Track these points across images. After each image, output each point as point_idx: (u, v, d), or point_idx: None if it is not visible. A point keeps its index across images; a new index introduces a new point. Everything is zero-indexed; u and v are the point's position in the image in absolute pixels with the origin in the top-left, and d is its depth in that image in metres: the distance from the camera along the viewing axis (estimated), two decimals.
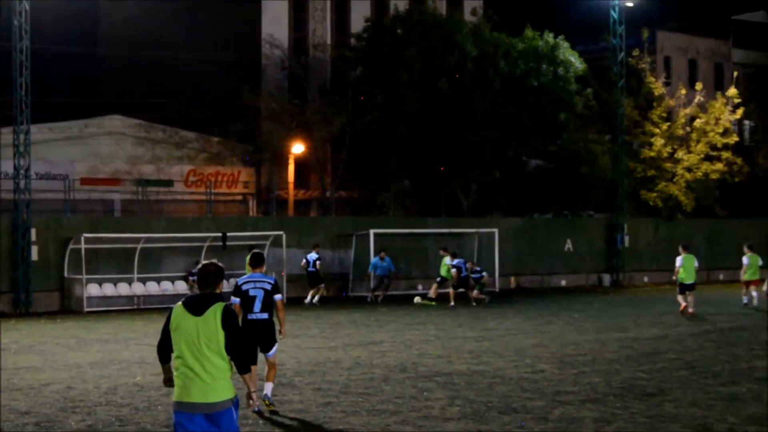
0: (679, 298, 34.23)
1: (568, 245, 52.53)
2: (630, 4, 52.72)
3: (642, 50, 56.33)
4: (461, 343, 25.33)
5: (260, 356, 15.95)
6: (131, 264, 40.01)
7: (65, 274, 38.89)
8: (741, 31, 77.67)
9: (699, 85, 57.32)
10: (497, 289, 46.49)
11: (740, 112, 56.06)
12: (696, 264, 34.58)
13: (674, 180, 54.93)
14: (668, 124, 55.70)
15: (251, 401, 10.20)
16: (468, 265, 39.84)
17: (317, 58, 57.22)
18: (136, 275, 40.06)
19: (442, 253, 41.27)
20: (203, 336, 9.70)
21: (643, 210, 56.87)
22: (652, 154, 55.06)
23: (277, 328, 16.29)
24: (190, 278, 40.67)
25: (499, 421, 14.91)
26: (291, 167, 53.15)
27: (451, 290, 39.35)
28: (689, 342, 25.06)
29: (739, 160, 55.96)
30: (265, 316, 15.85)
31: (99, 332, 29.84)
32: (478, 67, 50.29)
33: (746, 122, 67.25)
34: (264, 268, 16.38)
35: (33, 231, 38.63)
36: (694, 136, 55.57)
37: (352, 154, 52.89)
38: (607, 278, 52.76)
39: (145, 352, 24.20)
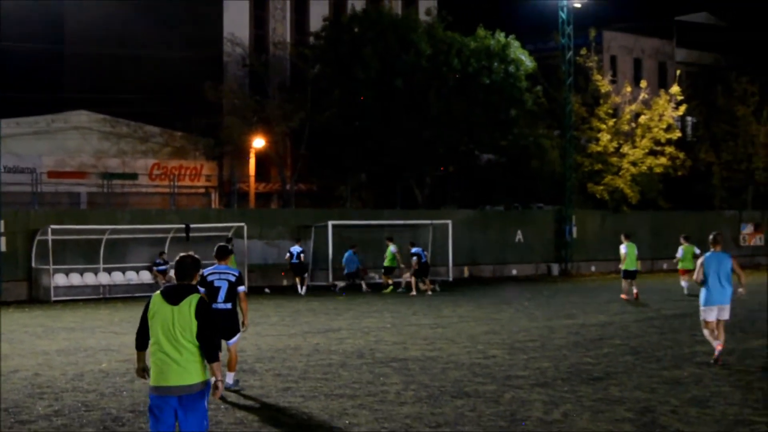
0: (624, 284, 34.64)
1: (519, 236, 52.73)
2: (578, 5, 52.94)
3: (589, 49, 56.58)
4: (416, 330, 25.37)
5: (222, 344, 15.89)
6: (97, 255, 39.81)
7: (33, 265, 38.64)
8: (684, 31, 78.21)
9: (644, 83, 57.65)
10: (451, 279, 46.65)
11: (683, 108, 56.43)
12: (636, 252, 35.08)
13: (620, 174, 55.24)
14: (614, 120, 56.00)
15: (217, 390, 10.30)
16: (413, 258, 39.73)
17: (277, 56, 57.07)
18: (101, 266, 39.87)
19: (387, 243, 41.32)
20: (178, 324, 9.98)
21: (591, 202, 57.16)
22: (599, 148, 55.36)
23: (240, 318, 16.36)
24: (155, 268, 40.56)
25: (451, 404, 14.95)
26: (252, 161, 52.99)
27: (412, 279, 39.33)
28: (634, 328, 25.23)
29: (681, 155, 56.33)
30: (228, 306, 15.93)
31: (66, 321, 29.66)
32: (432, 65, 50.34)
33: (688, 119, 67.77)
34: (228, 261, 16.44)
35: (2, 223, 38.35)
36: (638, 131, 55.90)
37: (311, 148, 52.81)
38: (556, 268, 53.02)
39: (110, 339, 24.12)
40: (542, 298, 36.16)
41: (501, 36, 52.28)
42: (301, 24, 60.43)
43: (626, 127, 56.26)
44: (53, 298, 37.44)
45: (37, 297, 38.32)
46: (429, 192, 55.05)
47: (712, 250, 18.98)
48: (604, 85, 56.17)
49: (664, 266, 55.08)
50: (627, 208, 55.98)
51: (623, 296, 34.31)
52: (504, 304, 33.45)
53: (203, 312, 10.06)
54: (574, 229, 53.81)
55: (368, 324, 27.28)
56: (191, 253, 10.59)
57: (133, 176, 51.10)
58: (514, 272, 51.90)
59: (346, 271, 42.25)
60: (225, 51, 56.62)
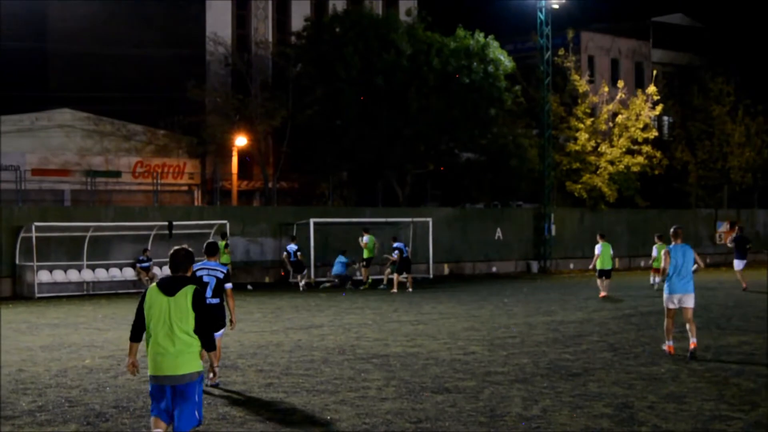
0: (598, 282, 34.91)
1: (498, 234, 52.80)
2: (556, 6, 53.04)
3: (567, 50, 56.74)
4: (397, 327, 25.35)
5: None
6: (81, 252, 39.70)
7: (17, 262, 38.54)
8: (660, 32, 78.47)
9: (621, 83, 57.85)
10: (431, 276, 46.67)
11: (659, 108, 56.64)
12: (611, 252, 35.32)
13: (598, 172, 55.37)
14: (592, 119, 56.15)
15: (213, 375, 11.00)
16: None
17: (259, 55, 56.95)
18: (85, 262, 39.77)
19: (364, 234, 41.33)
20: (174, 315, 10.21)
21: (569, 200, 57.31)
22: (577, 147, 55.49)
23: (228, 315, 16.41)
24: (138, 265, 40.46)
25: (432, 400, 14.93)
26: (234, 159, 52.91)
27: (395, 275, 39.32)
28: (612, 325, 25.26)
29: (658, 154, 56.50)
30: (216, 301, 15.95)
31: (49, 317, 29.56)
32: (413, 65, 50.34)
33: (665, 118, 68.01)
34: (217, 257, 16.48)
35: None
36: (616, 131, 56.07)
37: (292, 146, 52.73)
38: (535, 265, 53.12)
39: (94, 336, 24.02)
40: (521, 296, 36.19)
41: (480, 36, 52.32)
42: (283, 23, 60.36)
43: (604, 127, 56.43)
44: (37, 295, 37.36)
45: (21, 293, 38.23)
46: (410, 190, 55.05)
47: (673, 242, 19.62)
48: (582, 85, 56.29)
49: (642, 264, 55.32)
50: (605, 206, 56.14)
51: (602, 294, 34.38)
52: (483, 301, 33.48)
53: (200, 302, 10.30)
54: (553, 227, 53.94)
55: (350, 321, 27.26)
56: (185, 245, 10.76)
57: (117, 174, 50.95)
58: (494, 269, 51.96)
59: (333, 272, 42.34)
60: (207, 50, 56.49)
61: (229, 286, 16.32)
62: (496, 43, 52.73)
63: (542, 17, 53.09)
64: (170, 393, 10.25)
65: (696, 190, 63.85)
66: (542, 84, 53.66)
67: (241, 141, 51.51)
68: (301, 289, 40.55)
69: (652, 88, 56.80)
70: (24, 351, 21.26)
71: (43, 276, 38.40)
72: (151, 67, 57.02)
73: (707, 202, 64.17)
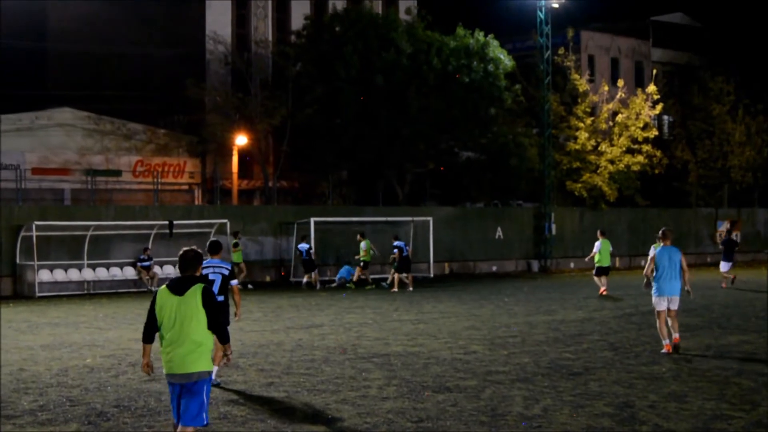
0: (596, 279, 35.09)
1: (499, 233, 52.79)
2: (556, 5, 53.02)
3: (567, 49, 56.74)
4: (398, 326, 25.35)
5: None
6: (81, 251, 39.71)
7: (17, 261, 38.55)
8: (660, 31, 78.48)
9: (621, 82, 57.85)
10: (431, 275, 46.67)
11: (659, 107, 56.63)
12: (611, 249, 35.47)
13: (598, 171, 55.36)
14: (592, 118, 56.14)
15: (227, 357, 11.58)
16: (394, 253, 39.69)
17: (259, 54, 56.94)
18: (85, 261, 39.78)
19: (359, 238, 41.31)
20: (185, 314, 10.42)
21: (569, 200, 57.30)
22: (577, 147, 55.48)
23: (232, 310, 16.57)
24: (139, 264, 40.46)
25: (433, 399, 14.93)
26: (235, 158, 52.91)
27: (395, 274, 39.30)
28: (612, 324, 25.26)
29: (658, 153, 56.50)
30: (221, 298, 16.00)
31: (50, 316, 29.56)
32: (412, 64, 50.34)
33: (665, 117, 68.00)
34: (221, 255, 16.63)
35: None
36: (616, 130, 56.06)
37: (292, 145, 52.74)
38: (535, 264, 53.12)
39: (94, 335, 24.02)
40: (522, 295, 36.18)
41: (480, 35, 52.32)
42: (283, 23, 60.36)
43: (604, 126, 56.42)
44: (38, 294, 37.36)
45: (21, 293, 38.24)
46: (409, 189, 55.05)
47: (662, 244, 20.01)
48: (582, 84, 56.28)
49: (642, 263, 55.13)
50: (605, 205, 56.13)
51: (603, 291, 34.47)
52: (484, 300, 33.48)
53: (209, 299, 10.55)
54: (553, 227, 53.93)
55: (350, 320, 27.26)
56: (194, 246, 11.02)
57: (117, 173, 50.97)
58: (495, 269, 51.96)
59: (338, 277, 42.40)
60: (207, 49, 56.49)
61: (234, 282, 16.56)
62: (496, 42, 52.73)
63: (542, 16, 53.08)
64: (178, 391, 10.54)
65: (696, 189, 63.85)
66: (542, 83, 53.66)
67: (241, 140, 51.53)
68: (313, 286, 40.56)
69: (652, 88, 56.79)
70: (25, 350, 21.27)
71: (44, 275, 38.40)
72: (151, 66, 57.05)
73: (707, 201, 64.16)
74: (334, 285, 42.26)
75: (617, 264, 53.95)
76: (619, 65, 74.67)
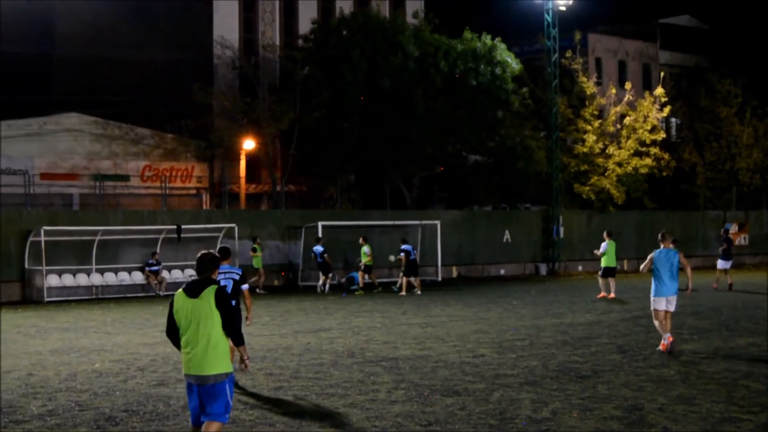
0: (600, 282, 35.10)
1: (507, 236, 52.75)
2: (563, 8, 52.95)
3: (574, 52, 56.73)
4: (406, 330, 25.35)
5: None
6: (89, 255, 39.73)
7: (26, 266, 38.58)
8: (667, 33, 78.46)
9: (628, 85, 57.79)
10: (440, 279, 46.67)
11: (667, 110, 56.52)
12: (615, 250, 35.56)
13: (606, 174, 55.29)
14: (600, 121, 56.07)
15: (244, 365, 11.49)
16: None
17: (266, 58, 57.02)
18: (94, 266, 39.79)
19: (361, 241, 41.24)
20: (200, 316, 10.63)
21: (577, 202, 57.24)
22: (585, 149, 55.41)
23: (244, 314, 16.63)
24: (147, 269, 40.49)
25: (441, 403, 14.94)
26: (242, 162, 52.95)
27: (403, 278, 39.23)
28: (620, 327, 25.25)
29: (666, 156, 56.40)
30: (233, 303, 16.03)
31: (59, 321, 29.60)
32: (420, 67, 50.34)
33: (673, 120, 67.88)
34: (230, 261, 16.81)
35: None
36: (624, 132, 55.98)
37: (300, 149, 52.81)
38: (543, 267, 53.05)
39: (103, 339, 24.06)
40: (530, 298, 36.15)
41: (487, 38, 52.30)
42: (290, 27, 60.42)
43: (611, 129, 56.36)
44: (46, 299, 37.39)
45: (30, 298, 38.26)
46: (417, 192, 55.05)
47: (661, 246, 20.62)
48: (590, 86, 56.23)
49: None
50: (613, 208, 56.05)
51: (611, 295, 34.46)
52: (492, 304, 33.46)
53: (223, 301, 10.72)
54: (561, 230, 53.86)
55: (358, 323, 27.27)
56: (211, 250, 11.31)
57: (125, 178, 51.05)
58: (503, 272, 51.92)
59: (346, 285, 42.42)
60: (215, 53, 56.60)
61: (245, 287, 16.80)
62: (503, 46, 52.71)
63: (549, 19, 53.04)
64: (198, 392, 10.72)
65: (704, 191, 63.75)
66: (549, 86, 53.62)
67: (248, 144, 51.58)
68: (324, 291, 40.50)
69: (659, 90, 56.70)
70: (34, 355, 21.30)
71: (52, 280, 38.43)
72: (159, 70, 57.13)
73: (715, 203, 64.05)
74: (343, 281, 42.30)
75: (625, 266, 53.89)
76: (627, 68, 74.64)
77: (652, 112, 55.91)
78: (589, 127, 55.31)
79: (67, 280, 38.99)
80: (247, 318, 16.93)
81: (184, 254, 42.03)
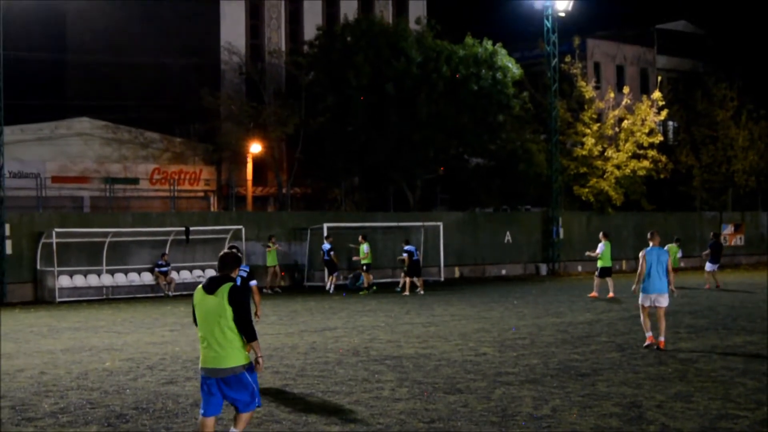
0: (596, 281, 35.16)
1: (508, 237, 52.72)
2: (562, 14, 52.89)
3: (573, 57, 56.65)
4: (409, 329, 25.33)
5: None
6: (100, 257, 39.75)
7: (38, 267, 38.60)
8: (664, 39, 78.45)
9: (626, 89, 57.68)
10: (442, 279, 46.64)
11: (664, 113, 56.45)
12: (610, 250, 35.74)
13: (604, 176, 55.25)
14: (598, 124, 56.04)
15: (258, 365, 11.17)
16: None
17: (272, 64, 57.03)
18: (104, 267, 39.81)
19: (360, 240, 41.18)
20: (216, 311, 10.77)
21: (576, 204, 57.20)
22: (584, 152, 55.38)
23: (253, 310, 16.56)
24: (157, 270, 40.50)
25: (444, 400, 14.92)
26: (249, 165, 53.00)
27: (406, 279, 39.16)
28: (620, 326, 25.22)
29: (663, 158, 56.33)
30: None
31: (70, 321, 29.60)
32: (422, 72, 50.34)
33: (670, 123, 67.88)
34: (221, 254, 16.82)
35: (7, 226, 38.31)
36: (622, 135, 55.93)
37: (305, 152, 52.86)
38: (543, 267, 53.01)
39: (113, 339, 24.06)
40: (530, 297, 36.11)
41: (488, 44, 52.31)
42: (296, 33, 60.49)
43: (610, 132, 56.33)
44: (58, 299, 37.41)
45: (42, 298, 38.29)
46: (420, 195, 55.03)
47: (650, 245, 21.05)
48: (588, 91, 56.18)
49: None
50: (611, 209, 56.00)
51: (610, 294, 34.44)
52: (494, 303, 33.43)
53: (236, 297, 10.82)
54: (561, 231, 53.81)
55: (363, 323, 27.25)
56: (234, 249, 11.41)
57: (135, 181, 51.12)
58: (504, 272, 51.89)
59: (351, 283, 42.37)
60: (222, 59, 56.65)
61: (253, 283, 17.05)
62: (504, 51, 52.73)
63: (549, 25, 52.99)
64: (218, 385, 10.87)
65: (701, 193, 63.67)
66: (549, 90, 53.57)
67: (255, 148, 51.63)
68: (330, 290, 40.45)
69: (657, 94, 56.66)
70: (46, 354, 21.31)
71: (64, 281, 38.45)
72: (168, 76, 57.21)
73: (712, 205, 63.97)
74: (350, 277, 42.32)
75: (623, 267, 53.87)
76: (625, 72, 74.62)
77: (649, 115, 55.86)
78: (588, 131, 55.28)
79: (78, 280, 39.01)
80: (256, 314, 17.03)
81: (192, 255, 42.07)
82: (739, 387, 15.72)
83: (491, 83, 51.51)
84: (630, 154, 55.26)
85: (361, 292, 39.96)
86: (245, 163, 52.99)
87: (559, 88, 54.05)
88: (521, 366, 18.27)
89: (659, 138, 56.38)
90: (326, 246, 40.72)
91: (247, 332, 10.88)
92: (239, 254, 11.40)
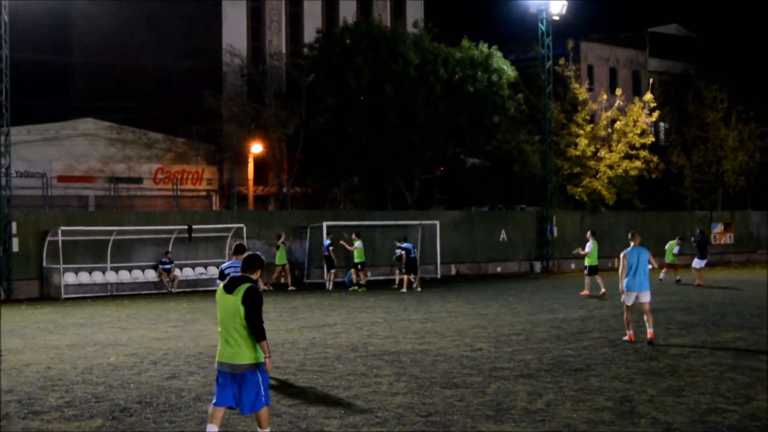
0: (587, 279, 35.25)
1: (503, 236, 52.72)
2: (557, 18, 52.89)
3: (567, 59, 56.69)
4: (407, 325, 25.34)
5: None
6: (105, 254, 39.73)
7: (44, 264, 38.57)
8: (656, 42, 78.49)
9: (619, 91, 57.73)
10: (439, 276, 46.64)
11: (656, 115, 56.45)
12: (597, 249, 35.97)
13: (597, 176, 55.27)
14: (591, 126, 56.06)
15: (265, 362, 11.29)
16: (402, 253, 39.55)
17: (273, 66, 57.06)
18: (109, 265, 39.79)
19: (354, 237, 41.15)
20: (233, 310, 11.10)
21: (570, 203, 57.21)
22: (578, 153, 55.41)
23: None
24: (161, 267, 40.48)
25: (441, 394, 14.94)
26: (250, 165, 53.02)
27: (404, 276, 39.18)
28: (612, 322, 25.22)
29: (655, 158, 56.36)
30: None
31: (75, 317, 29.59)
32: (420, 74, 50.37)
33: (661, 124, 67.90)
34: (240, 256, 16.80)
35: (14, 225, 38.28)
36: (614, 136, 55.95)
37: (305, 153, 52.87)
38: (538, 265, 53.02)
39: (118, 335, 24.06)
40: (525, 294, 36.13)
41: (484, 47, 52.34)
42: (296, 36, 60.50)
43: (603, 133, 56.35)
44: (63, 296, 37.40)
45: (48, 295, 38.27)
46: (418, 194, 55.04)
47: (631, 245, 20.87)
48: (582, 93, 56.21)
49: None
50: (604, 208, 56.02)
51: (602, 291, 34.51)
52: (489, 300, 33.42)
53: (249, 298, 11.07)
54: (555, 229, 53.82)
55: (361, 319, 27.25)
56: (258, 252, 11.87)
57: (138, 180, 51.13)
58: (499, 270, 51.89)
59: (347, 283, 42.37)
60: (224, 61, 56.66)
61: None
62: (499, 53, 52.76)
63: (543, 28, 53.00)
64: (231, 379, 11.22)
65: (691, 192, 63.70)
66: (544, 92, 53.58)
67: (256, 148, 51.63)
68: (329, 287, 40.46)
69: (648, 96, 56.67)
70: (52, 349, 21.31)
71: (69, 278, 38.45)
72: (171, 78, 57.24)
73: (702, 204, 63.99)
74: (350, 273, 42.42)
75: (615, 264, 53.78)
76: (618, 75, 74.65)
77: (641, 116, 55.88)
78: (581, 132, 55.30)
79: (84, 277, 39.00)
80: None
81: (194, 253, 42.07)
82: (729, 382, 15.74)
83: (487, 85, 51.55)
84: (622, 154, 55.29)
85: (353, 288, 40.00)
86: (246, 163, 53.01)
87: (553, 90, 54.06)
88: (516, 361, 18.29)
89: (651, 139, 56.40)
90: (326, 242, 40.86)
91: (256, 331, 11.05)
92: (262, 258, 11.58)
